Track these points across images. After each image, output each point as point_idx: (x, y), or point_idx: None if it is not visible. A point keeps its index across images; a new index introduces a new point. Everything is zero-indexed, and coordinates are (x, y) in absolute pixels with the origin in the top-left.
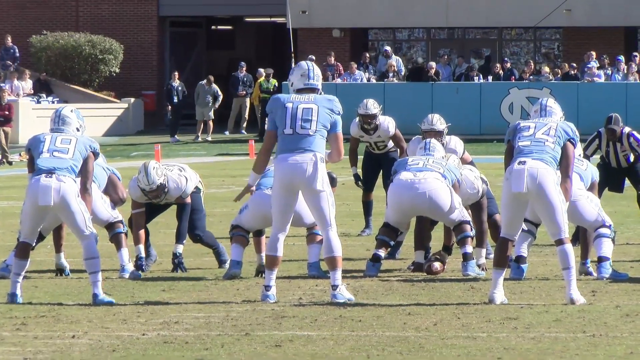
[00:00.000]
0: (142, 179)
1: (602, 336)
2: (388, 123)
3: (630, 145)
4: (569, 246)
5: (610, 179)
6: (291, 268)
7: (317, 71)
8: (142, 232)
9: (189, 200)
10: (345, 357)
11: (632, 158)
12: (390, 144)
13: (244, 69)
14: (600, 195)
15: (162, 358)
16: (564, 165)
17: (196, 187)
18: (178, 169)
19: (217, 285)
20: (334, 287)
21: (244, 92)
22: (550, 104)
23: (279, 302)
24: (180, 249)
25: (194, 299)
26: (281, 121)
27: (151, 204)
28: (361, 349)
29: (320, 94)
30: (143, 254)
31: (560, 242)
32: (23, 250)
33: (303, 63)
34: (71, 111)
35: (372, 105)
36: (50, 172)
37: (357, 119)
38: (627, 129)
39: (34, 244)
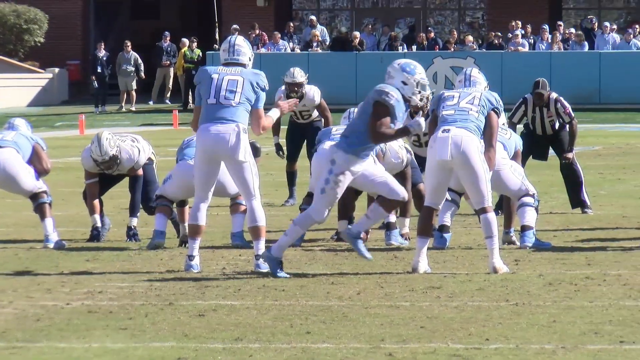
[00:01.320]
0: (95, 149)
1: (525, 305)
2: (314, 92)
3: (557, 111)
4: (491, 215)
5: (535, 147)
6: (215, 238)
7: (242, 46)
8: (96, 201)
9: (141, 172)
10: (269, 327)
11: (557, 125)
12: (315, 113)
13: (168, 38)
14: (524, 164)
15: (86, 327)
16: (488, 134)
17: (149, 159)
18: (131, 140)
19: (141, 255)
20: (257, 257)
21: (168, 62)
22: (474, 73)
23: (203, 272)
24: (134, 222)
25: (118, 268)
26: (206, 91)
27: (104, 174)
28: (284, 318)
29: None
30: (99, 224)
31: (483, 210)
32: None
33: (230, 38)
34: None
35: (299, 74)
36: None
37: (283, 87)
38: (554, 95)
39: None
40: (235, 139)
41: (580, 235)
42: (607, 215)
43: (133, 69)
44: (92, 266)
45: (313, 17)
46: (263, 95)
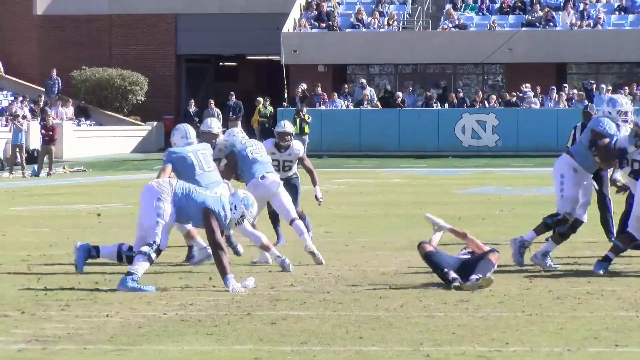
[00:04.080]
0: None
1: (537, 315)
2: (298, 146)
3: None
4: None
5: None
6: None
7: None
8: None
9: None
10: (329, 333)
11: None
12: (293, 170)
13: (234, 97)
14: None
15: (179, 333)
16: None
17: None
18: None
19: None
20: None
21: (234, 117)
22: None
23: (274, 287)
24: None
25: (206, 285)
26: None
27: None
28: (341, 326)
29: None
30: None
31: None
32: None
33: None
34: None
35: (289, 125)
36: None
37: (272, 139)
38: None
39: None
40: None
41: (582, 259)
42: (604, 242)
43: None
44: (184, 283)
45: (363, 80)
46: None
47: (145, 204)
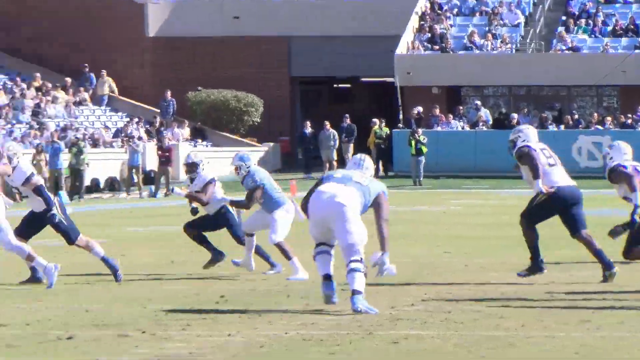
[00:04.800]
0: None
1: None
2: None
3: None
4: None
5: None
6: (405, 275)
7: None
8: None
9: None
10: (450, 352)
11: None
12: None
13: (348, 120)
14: None
15: (301, 352)
16: None
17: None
18: None
19: (344, 292)
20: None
21: (347, 139)
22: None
23: (395, 307)
24: None
25: (325, 305)
26: None
27: None
28: (462, 345)
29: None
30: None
31: None
32: None
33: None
34: None
35: (194, 156)
36: None
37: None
38: None
39: None
40: None
41: None
42: None
43: (332, 143)
44: (306, 302)
45: (478, 102)
46: None
47: (342, 223)
